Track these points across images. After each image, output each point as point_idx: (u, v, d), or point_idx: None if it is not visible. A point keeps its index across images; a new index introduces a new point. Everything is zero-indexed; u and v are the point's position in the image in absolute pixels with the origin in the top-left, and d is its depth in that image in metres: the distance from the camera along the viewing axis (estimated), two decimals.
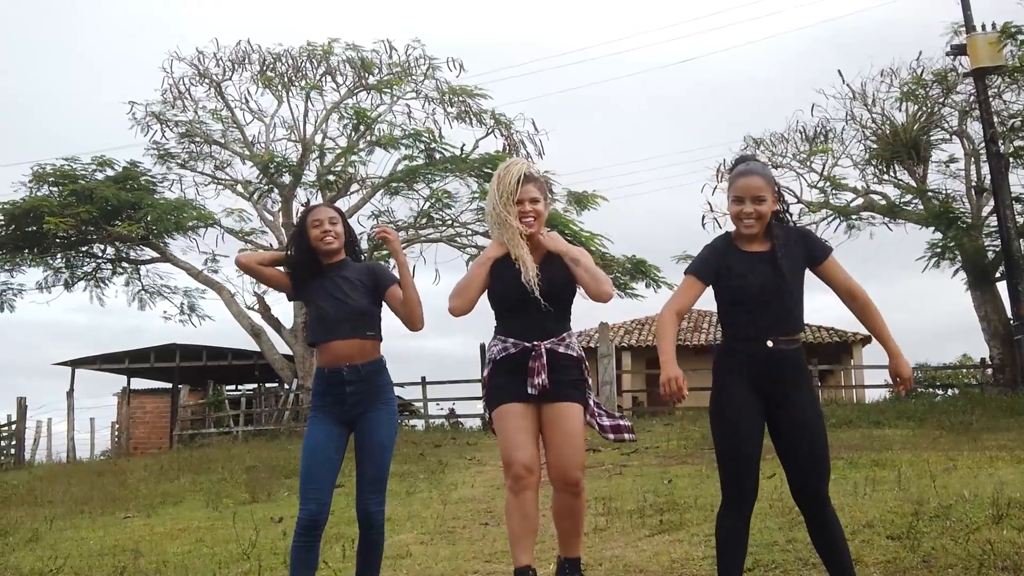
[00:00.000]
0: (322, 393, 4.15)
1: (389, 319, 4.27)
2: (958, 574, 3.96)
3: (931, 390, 22.05)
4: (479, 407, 20.57)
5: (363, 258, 4.46)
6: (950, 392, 21.33)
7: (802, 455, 3.49)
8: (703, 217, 21.02)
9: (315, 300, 4.22)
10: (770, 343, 3.49)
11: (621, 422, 4.11)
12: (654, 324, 3.73)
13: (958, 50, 18.51)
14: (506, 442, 3.86)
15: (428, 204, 20.54)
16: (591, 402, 4.02)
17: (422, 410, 21.94)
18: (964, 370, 27.81)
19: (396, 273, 4.26)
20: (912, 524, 4.91)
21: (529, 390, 3.83)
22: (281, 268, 4.41)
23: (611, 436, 4.08)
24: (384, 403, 4.16)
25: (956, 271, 20.26)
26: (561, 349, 3.90)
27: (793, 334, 3.54)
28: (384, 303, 4.24)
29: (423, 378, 21.10)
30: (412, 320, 4.17)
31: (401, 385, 23.75)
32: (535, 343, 3.86)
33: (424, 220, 20.73)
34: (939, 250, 19.82)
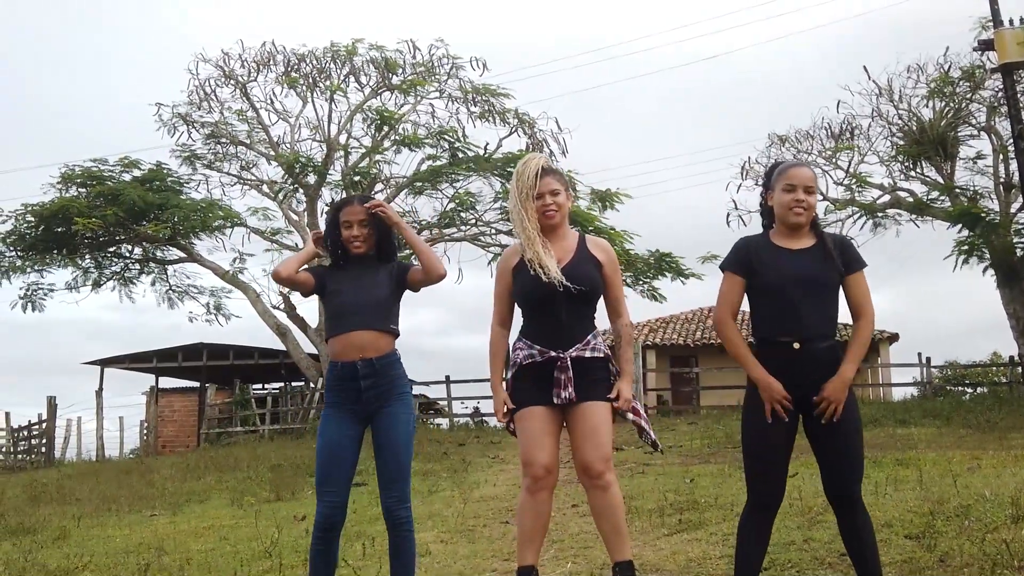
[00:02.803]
0: (336, 388, 4.07)
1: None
2: (973, 574, 3.94)
3: (959, 388, 21.84)
4: None
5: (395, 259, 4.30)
6: (979, 390, 21.12)
7: (836, 456, 3.47)
8: (728, 215, 21.08)
9: (334, 292, 4.14)
10: (797, 345, 3.45)
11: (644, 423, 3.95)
12: (713, 323, 3.62)
13: (985, 45, 18.27)
14: (529, 442, 3.79)
15: (451, 206, 20.58)
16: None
17: (447, 409, 22.00)
18: (994, 368, 27.52)
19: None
20: (930, 523, 4.89)
21: (555, 400, 3.78)
22: (304, 267, 4.31)
23: (631, 417, 3.89)
24: (400, 397, 4.07)
25: (985, 268, 20.03)
26: (587, 354, 3.84)
27: (826, 335, 3.50)
28: (408, 289, 4.18)
29: (447, 377, 21.18)
30: (431, 267, 4.07)
31: (426, 384, 23.89)
32: (561, 353, 3.80)
33: (447, 220, 20.76)
34: (967, 248, 19.58)
